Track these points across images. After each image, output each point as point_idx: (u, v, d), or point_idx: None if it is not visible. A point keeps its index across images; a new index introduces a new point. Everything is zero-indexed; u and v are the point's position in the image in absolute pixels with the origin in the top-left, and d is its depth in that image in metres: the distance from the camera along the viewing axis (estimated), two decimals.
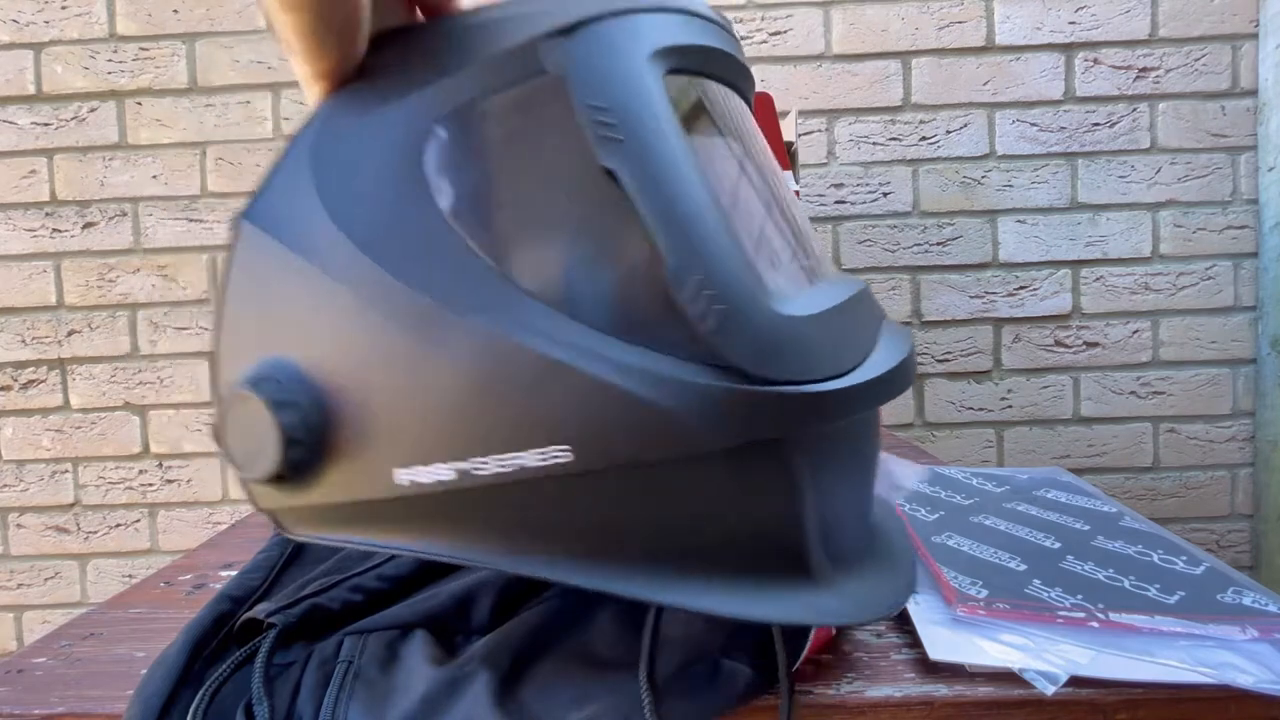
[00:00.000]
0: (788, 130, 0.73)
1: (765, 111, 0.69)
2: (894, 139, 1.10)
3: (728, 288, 0.26)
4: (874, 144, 1.10)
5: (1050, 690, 0.31)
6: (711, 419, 0.25)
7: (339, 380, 0.27)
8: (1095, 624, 0.34)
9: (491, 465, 0.26)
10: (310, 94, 0.30)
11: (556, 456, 0.25)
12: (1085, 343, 1.11)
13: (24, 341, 1.13)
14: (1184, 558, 0.41)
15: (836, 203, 1.11)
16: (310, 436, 0.27)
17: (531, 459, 0.25)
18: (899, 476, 0.51)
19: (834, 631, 0.36)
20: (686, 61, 0.29)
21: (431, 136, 0.27)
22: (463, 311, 0.25)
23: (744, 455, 0.26)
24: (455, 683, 0.32)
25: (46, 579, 1.15)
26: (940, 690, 0.32)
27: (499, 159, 0.27)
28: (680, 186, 0.26)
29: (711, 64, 0.30)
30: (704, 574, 0.27)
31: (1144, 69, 1.08)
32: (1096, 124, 1.09)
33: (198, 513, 1.14)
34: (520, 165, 0.27)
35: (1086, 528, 0.46)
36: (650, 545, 0.27)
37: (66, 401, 1.14)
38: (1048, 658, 0.32)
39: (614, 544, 0.27)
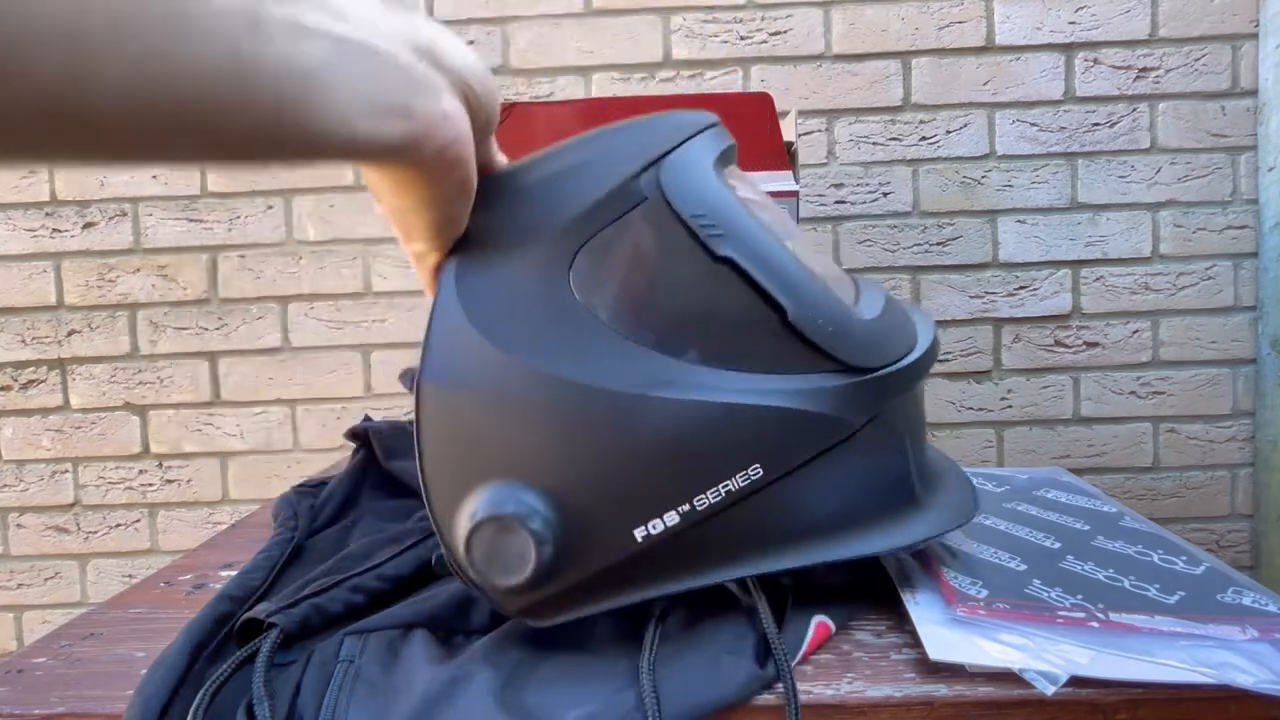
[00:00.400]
0: (788, 130, 0.73)
1: (765, 111, 0.69)
2: (894, 139, 1.10)
3: (829, 312, 0.34)
4: (874, 144, 1.10)
5: (1050, 690, 0.31)
6: (851, 407, 0.34)
7: (561, 479, 0.32)
8: (1095, 624, 0.34)
9: (708, 498, 0.32)
10: (425, 265, 0.34)
11: (751, 475, 0.32)
12: (1085, 343, 1.11)
13: (24, 341, 1.13)
14: (1184, 558, 0.41)
15: (836, 203, 1.11)
16: (557, 535, 0.32)
17: (736, 483, 0.32)
18: None
19: (833, 629, 0.37)
20: (726, 159, 0.37)
21: (573, 266, 0.33)
22: (647, 390, 0.32)
23: (868, 427, 0.34)
24: (455, 682, 0.32)
25: (46, 579, 1.15)
26: (940, 690, 0.32)
27: (634, 269, 0.34)
28: (773, 253, 0.34)
29: (733, 154, 0.38)
30: (857, 527, 0.35)
31: (1144, 69, 1.08)
32: (1096, 124, 1.09)
33: (198, 513, 1.14)
34: (651, 269, 0.34)
35: (1086, 528, 0.46)
36: (819, 519, 0.34)
37: (66, 401, 1.14)
38: (1048, 658, 0.32)
39: (797, 528, 0.34)
